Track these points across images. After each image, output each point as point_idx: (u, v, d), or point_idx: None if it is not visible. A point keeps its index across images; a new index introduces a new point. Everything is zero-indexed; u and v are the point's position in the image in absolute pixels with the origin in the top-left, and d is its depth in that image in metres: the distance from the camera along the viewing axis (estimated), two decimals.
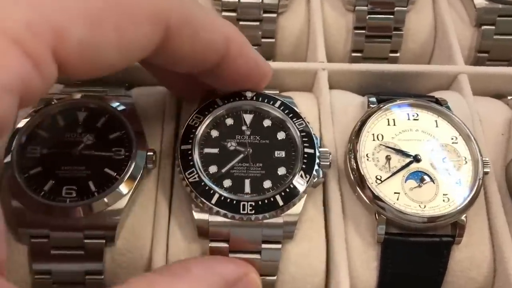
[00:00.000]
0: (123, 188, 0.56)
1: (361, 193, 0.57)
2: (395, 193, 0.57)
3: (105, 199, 0.55)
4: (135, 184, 0.56)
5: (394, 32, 0.75)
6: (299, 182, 0.54)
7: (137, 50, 0.43)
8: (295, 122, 0.58)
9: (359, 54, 0.76)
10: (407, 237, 0.56)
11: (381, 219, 0.56)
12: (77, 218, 0.54)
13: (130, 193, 0.56)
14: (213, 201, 0.52)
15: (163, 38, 0.45)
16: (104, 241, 0.55)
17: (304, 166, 0.55)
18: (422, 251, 0.57)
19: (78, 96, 0.61)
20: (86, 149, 0.58)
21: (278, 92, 0.63)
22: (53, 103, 0.60)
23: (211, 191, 0.53)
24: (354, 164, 0.58)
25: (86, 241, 0.55)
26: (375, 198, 0.56)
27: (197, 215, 0.53)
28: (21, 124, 0.59)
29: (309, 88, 0.71)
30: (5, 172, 0.56)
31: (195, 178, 0.54)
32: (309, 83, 0.70)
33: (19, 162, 0.56)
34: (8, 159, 0.57)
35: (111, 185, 0.56)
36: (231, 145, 0.57)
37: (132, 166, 0.57)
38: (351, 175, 0.58)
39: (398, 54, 0.77)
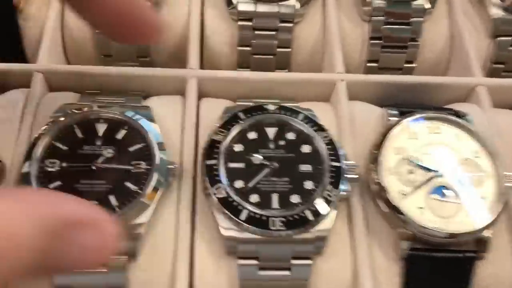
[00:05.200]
0: (145, 202, 0.57)
1: (384, 207, 0.59)
2: (418, 208, 0.59)
3: (127, 214, 0.56)
4: (157, 198, 0.58)
5: (410, 43, 0.77)
6: (328, 197, 0.56)
7: None
8: (319, 135, 0.60)
9: (374, 64, 0.78)
10: (430, 253, 0.58)
11: (405, 234, 0.58)
12: None
13: (152, 208, 0.57)
14: (242, 217, 0.54)
15: None
16: (126, 256, 0.56)
17: (332, 179, 0.57)
18: (445, 267, 0.59)
19: (95, 106, 0.62)
20: (105, 162, 0.59)
21: (298, 104, 0.65)
22: (70, 113, 0.61)
23: (239, 207, 0.55)
24: (377, 178, 0.60)
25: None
26: (398, 213, 0.58)
27: (225, 232, 0.55)
28: (38, 135, 0.60)
29: (326, 98, 0.73)
30: (22, 185, 0.57)
31: (222, 193, 0.55)
32: (326, 93, 0.72)
33: (37, 175, 0.57)
34: (26, 169, 0.57)
35: (132, 199, 0.57)
36: (256, 159, 0.59)
37: (154, 179, 0.58)
38: (374, 189, 0.60)
39: (413, 65, 0.79)
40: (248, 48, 0.76)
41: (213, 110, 0.66)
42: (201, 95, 0.71)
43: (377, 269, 0.60)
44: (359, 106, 0.70)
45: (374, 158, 0.61)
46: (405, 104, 0.68)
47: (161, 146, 0.60)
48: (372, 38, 0.77)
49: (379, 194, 0.60)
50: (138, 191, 0.57)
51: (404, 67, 0.79)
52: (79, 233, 0.39)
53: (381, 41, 0.77)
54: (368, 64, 0.79)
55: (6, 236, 0.34)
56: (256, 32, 0.75)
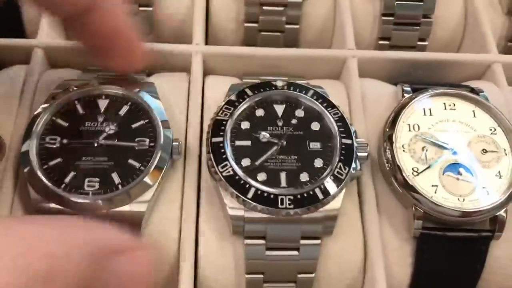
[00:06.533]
0: (148, 180, 0.55)
1: (397, 185, 0.58)
2: (432, 185, 0.57)
3: (130, 192, 0.54)
4: (161, 176, 0.56)
5: (423, 20, 0.75)
6: (339, 175, 0.54)
7: None
8: (330, 112, 0.58)
9: (386, 42, 0.76)
10: (444, 232, 0.57)
11: (418, 213, 0.57)
12: (100, 212, 0.54)
13: (156, 185, 0.56)
14: (249, 195, 0.53)
15: None
16: None
17: (342, 157, 0.55)
18: (459, 247, 0.57)
19: (96, 82, 0.61)
20: (108, 139, 0.57)
21: (307, 82, 0.63)
22: (71, 90, 0.60)
23: (247, 185, 0.53)
24: (390, 156, 0.58)
25: None
26: (412, 191, 0.57)
27: (232, 211, 0.54)
28: (38, 112, 0.58)
29: (336, 76, 0.71)
30: (22, 162, 0.56)
31: (228, 171, 0.54)
32: (337, 71, 0.70)
33: (38, 152, 0.56)
34: (25, 148, 0.56)
35: (136, 177, 0.55)
36: (264, 136, 0.57)
37: (158, 157, 0.56)
38: (386, 167, 0.59)
39: (426, 43, 0.77)
40: (255, 25, 0.74)
41: (219, 88, 0.65)
42: (206, 72, 0.69)
43: (388, 249, 0.58)
44: (371, 83, 0.68)
45: (388, 135, 0.59)
46: (419, 81, 0.66)
47: (166, 124, 0.59)
48: (384, 15, 0.75)
49: (392, 172, 0.58)
50: (142, 168, 0.56)
51: (417, 45, 0.77)
52: (117, 261, 0.39)
53: (393, 18, 0.75)
54: (380, 42, 0.77)
55: (55, 260, 0.34)
56: (264, 7, 0.73)
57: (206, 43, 0.77)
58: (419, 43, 0.77)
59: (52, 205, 0.53)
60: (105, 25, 0.52)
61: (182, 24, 0.75)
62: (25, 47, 0.66)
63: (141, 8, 0.73)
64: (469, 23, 0.77)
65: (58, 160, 0.56)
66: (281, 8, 0.73)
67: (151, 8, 0.73)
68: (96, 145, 0.57)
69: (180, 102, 0.64)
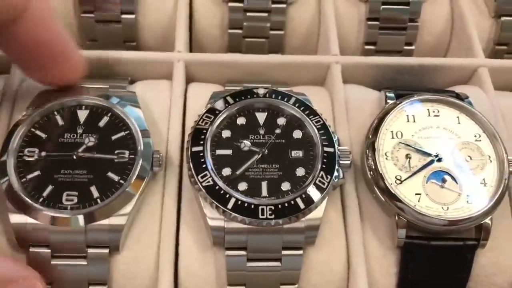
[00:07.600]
0: (128, 194, 0.55)
1: (379, 194, 0.58)
2: (416, 194, 0.57)
3: (108, 206, 0.54)
4: (141, 189, 0.56)
5: (409, 24, 0.75)
6: (320, 184, 0.54)
7: None
8: (312, 119, 0.58)
9: (372, 47, 0.76)
10: (428, 241, 0.57)
11: (401, 222, 0.56)
12: (79, 226, 0.53)
13: (135, 199, 0.55)
14: (229, 206, 0.52)
15: None
16: (107, 250, 0.55)
17: (324, 166, 0.55)
18: (444, 256, 0.57)
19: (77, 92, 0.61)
20: (87, 151, 0.57)
21: (290, 89, 0.63)
22: (50, 99, 0.60)
23: (227, 195, 0.53)
24: (372, 164, 0.58)
25: (89, 250, 0.54)
26: (395, 199, 0.56)
27: (212, 222, 0.53)
28: (17, 123, 0.58)
29: (321, 82, 0.71)
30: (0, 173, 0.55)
31: (208, 181, 0.54)
32: (321, 77, 0.70)
33: (15, 165, 0.56)
34: (4, 158, 0.56)
35: (114, 190, 0.55)
36: (245, 145, 0.57)
37: (137, 170, 0.56)
38: (369, 175, 0.58)
39: (413, 47, 0.77)
40: (239, 31, 0.74)
41: (201, 95, 0.65)
42: (189, 80, 0.69)
43: (372, 259, 0.58)
44: (355, 89, 0.68)
45: (370, 143, 0.59)
46: (404, 87, 0.66)
47: (146, 134, 0.58)
48: (369, 19, 0.75)
49: (374, 180, 0.58)
50: (121, 181, 0.55)
51: (404, 50, 0.77)
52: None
53: (378, 22, 0.75)
54: (366, 47, 0.77)
55: None
56: (248, 14, 0.73)
57: (191, 50, 0.77)
58: (405, 47, 0.77)
59: (30, 220, 0.53)
60: (35, 34, 0.51)
61: (166, 31, 0.75)
62: (5, 57, 0.66)
63: (123, 16, 0.72)
64: (455, 27, 0.77)
65: (37, 173, 0.56)
66: (265, 14, 0.73)
67: (133, 16, 0.73)
68: (75, 157, 0.57)
69: (163, 110, 0.64)
